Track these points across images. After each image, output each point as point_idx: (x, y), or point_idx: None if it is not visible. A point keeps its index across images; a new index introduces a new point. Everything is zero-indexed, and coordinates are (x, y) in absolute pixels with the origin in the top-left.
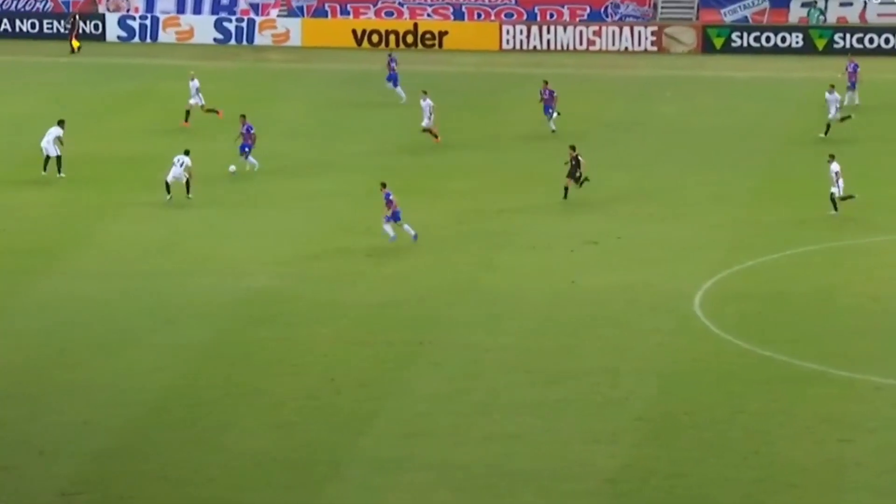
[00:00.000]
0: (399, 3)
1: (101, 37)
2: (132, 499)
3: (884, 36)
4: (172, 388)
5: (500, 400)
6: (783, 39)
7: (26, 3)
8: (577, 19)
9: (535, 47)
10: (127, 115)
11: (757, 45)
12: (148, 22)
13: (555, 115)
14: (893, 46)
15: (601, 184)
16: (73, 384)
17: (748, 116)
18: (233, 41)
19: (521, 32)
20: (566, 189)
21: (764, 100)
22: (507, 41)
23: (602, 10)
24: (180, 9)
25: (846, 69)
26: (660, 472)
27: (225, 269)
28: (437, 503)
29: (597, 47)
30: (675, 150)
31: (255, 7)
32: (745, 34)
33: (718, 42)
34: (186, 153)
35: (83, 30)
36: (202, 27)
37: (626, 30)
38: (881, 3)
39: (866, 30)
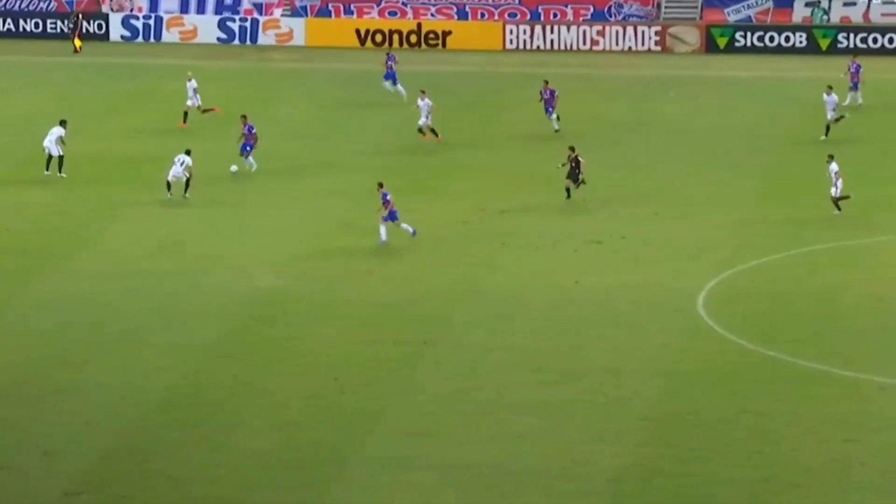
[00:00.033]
0: (403, 3)
1: (105, 36)
2: (136, 499)
3: (887, 36)
4: (176, 388)
5: (504, 399)
6: (787, 39)
7: (30, 2)
8: (581, 19)
9: (538, 47)
10: (130, 115)
11: (760, 44)
12: (151, 21)
13: (554, 115)
14: None
15: (605, 184)
16: (77, 384)
17: (752, 116)
18: (236, 41)
19: (525, 32)
20: (568, 190)
21: (768, 100)
22: (511, 41)
23: (605, 9)
24: (184, 8)
25: (848, 69)
26: (664, 471)
27: (228, 269)
28: (442, 503)
29: (600, 47)
30: (679, 150)
31: (258, 7)
32: (748, 34)
33: (722, 42)
34: (187, 153)
35: (87, 29)
36: (206, 27)
37: (630, 30)
38: (885, 3)
39: (870, 29)
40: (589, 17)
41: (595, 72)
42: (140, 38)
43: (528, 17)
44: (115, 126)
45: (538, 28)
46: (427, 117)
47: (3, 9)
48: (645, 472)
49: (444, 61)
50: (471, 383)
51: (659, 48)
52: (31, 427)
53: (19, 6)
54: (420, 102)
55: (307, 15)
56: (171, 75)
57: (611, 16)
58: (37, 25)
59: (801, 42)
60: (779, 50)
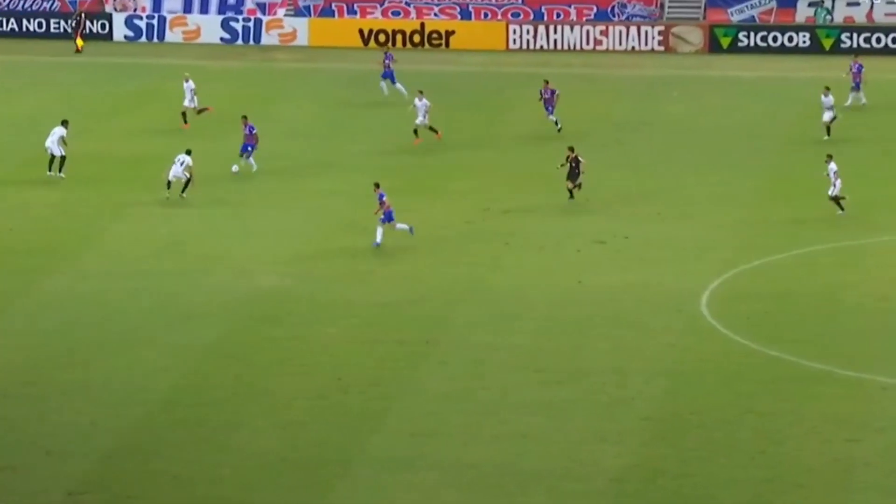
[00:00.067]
0: (406, 3)
1: (108, 36)
2: (139, 499)
3: (891, 35)
4: (180, 388)
5: (507, 399)
6: (790, 39)
7: (33, 2)
8: (584, 19)
9: (541, 47)
10: (133, 115)
11: (764, 44)
12: (155, 21)
13: (551, 117)
14: None
15: (608, 183)
16: (80, 384)
17: (755, 116)
18: (239, 41)
19: (528, 32)
20: (570, 191)
21: (771, 99)
22: (514, 41)
23: (609, 9)
24: (187, 8)
25: (850, 69)
26: (667, 471)
27: (231, 269)
28: (446, 503)
29: (604, 47)
30: (682, 150)
31: (261, 7)
32: (751, 34)
33: (725, 42)
34: (188, 153)
35: (90, 29)
36: (209, 27)
37: (633, 29)
38: (888, 3)
39: (873, 29)
40: (592, 16)
41: (598, 72)
42: (143, 38)
43: (532, 17)
44: (119, 126)
45: (541, 28)
46: (424, 117)
47: (6, 9)
48: (648, 473)
49: (447, 61)
50: (474, 383)
51: (662, 48)
52: (34, 427)
53: (23, 6)
54: (417, 102)
55: (310, 15)
56: (175, 75)
57: (614, 16)
58: (40, 25)
59: (804, 42)
60: (782, 50)
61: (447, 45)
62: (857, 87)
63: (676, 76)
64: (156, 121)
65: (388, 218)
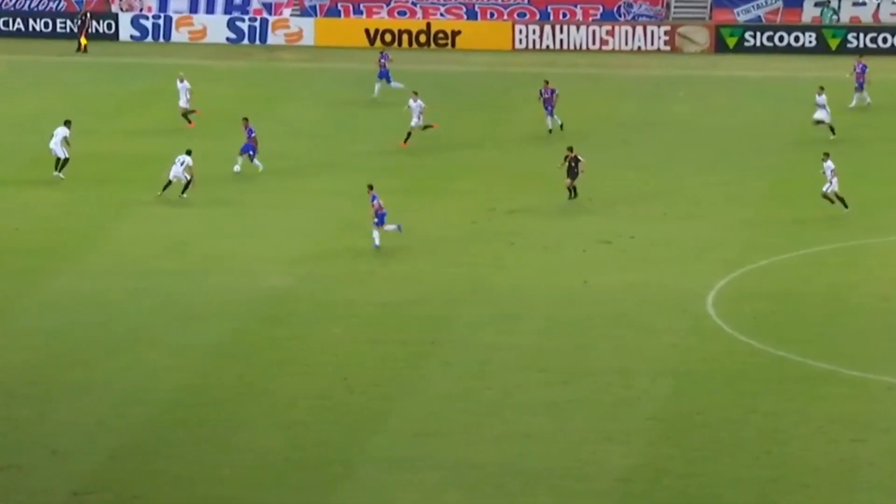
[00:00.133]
0: (412, 3)
1: (114, 36)
2: (144, 498)
3: None
4: (184, 388)
5: (512, 399)
6: (796, 39)
7: (39, 2)
8: (590, 19)
9: (547, 47)
10: (138, 115)
11: (770, 44)
12: (161, 21)
13: (551, 117)
14: None
15: (614, 183)
16: (85, 384)
17: (761, 116)
18: (245, 41)
19: (534, 32)
20: (573, 190)
21: (777, 99)
22: (520, 41)
23: (615, 9)
24: (193, 8)
25: (854, 70)
26: (672, 471)
27: (235, 269)
28: (449, 502)
29: (609, 47)
30: (688, 150)
31: (267, 6)
32: (758, 34)
33: (731, 42)
34: (188, 153)
35: (96, 29)
36: (215, 27)
37: (639, 29)
38: (895, 3)
39: (880, 29)
40: (598, 16)
41: (604, 72)
42: (149, 38)
43: (538, 16)
44: (124, 126)
45: (547, 28)
46: (419, 118)
47: (12, 8)
48: (653, 472)
49: (453, 61)
50: (478, 383)
51: (668, 48)
52: (38, 426)
53: (28, 6)
54: (412, 104)
55: (316, 15)
56: (186, 75)
57: (620, 16)
58: (46, 25)
59: (810, 42)
60: (788, 50)
61: (453, 45)
62: (860, 88)
63: (682, 76)
64: (160, 121)
65: (381, 221)
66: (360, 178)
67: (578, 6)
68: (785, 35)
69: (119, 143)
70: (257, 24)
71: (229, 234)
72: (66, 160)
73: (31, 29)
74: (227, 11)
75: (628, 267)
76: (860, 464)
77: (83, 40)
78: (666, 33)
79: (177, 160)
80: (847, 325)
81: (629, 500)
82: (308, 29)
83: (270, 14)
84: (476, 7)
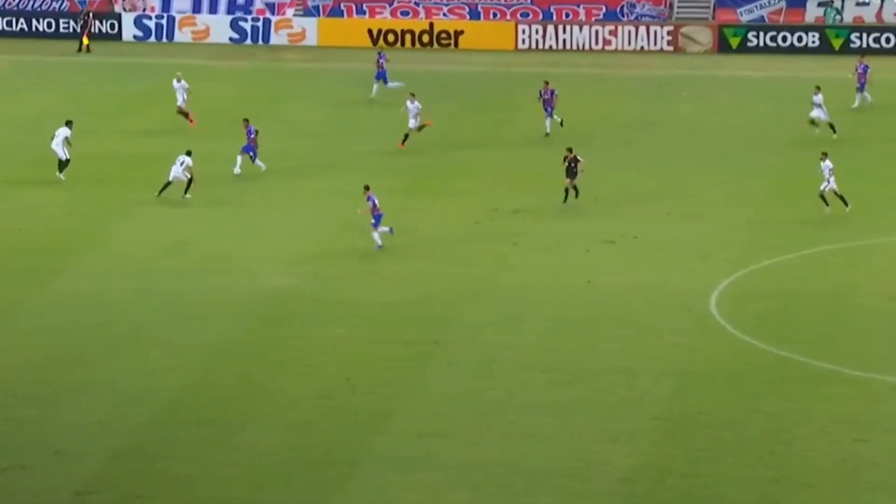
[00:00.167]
0: (415, 3)
1: (117, 36)
2: (147, 498)
3: None
4: (187, 388)
5: (515, 399)
6: (799, 39)
7: (42, 2)
8: (593, 19)
9: (550, 47)
10: (141, 115)
11: (773, 44)
12: (164, 21)
13: (551, 118)
14: None
15: (617, 183)
16: (88, 384)
17: (764, 116)
18: (248, 41)
19: (537, 32)
20: (575, 190)
21: (780, 99)
22: (523, 41)
23: (618, 9)
24: (196, 8)
25: (856, 70)
26: (676, 471)
27: (238, 269)
28: (453, 502)
29: (612, 47)
30: (691, 150)
31: (270, 7)
32: (761, 34)
33: (734, 42)
34: (188, 153)
35: (99, 29)
36: (218, 27)
37: (642, 29)
38: None
39: (883, 29)
40: (601, 16)
41: (607, 72)
42: (152, 38)
43: (541, 16)
44: (126, 126)
45: (550, 28)
46: (416, 119)
47: (15, 8)
48: (656, 472)
49: (456, 61)
50: (482, 383)
51: (671, 48)
52: (42, 427)
53: (32, 6)
54: (409, 105)
55: (319, 15)
56: (184, 75)
57: (623, 16)
58: (49, 25)
59: (813, 42)
60: (791, 50)
61: (456, 45)
62: (861, 88)
63: (685, 76)
64: (163, 121)
65: (377, 222)
66: (362, 178)
67: (581, 6)
68: (788, 35)
69: (121, 143)
70: (260, 24)
71: (230, 234)
72: (67, 161)
73: (34, 29)
74: (230, 11)
75: (631, 267)
76: (863, 464)
77: (85, 40)
78: (669, 33)
79: (177, 160)
80: (850, 325)
81: (633, 500)
82: (311, 29)
83: (273, 14)
84: (479, 7)
